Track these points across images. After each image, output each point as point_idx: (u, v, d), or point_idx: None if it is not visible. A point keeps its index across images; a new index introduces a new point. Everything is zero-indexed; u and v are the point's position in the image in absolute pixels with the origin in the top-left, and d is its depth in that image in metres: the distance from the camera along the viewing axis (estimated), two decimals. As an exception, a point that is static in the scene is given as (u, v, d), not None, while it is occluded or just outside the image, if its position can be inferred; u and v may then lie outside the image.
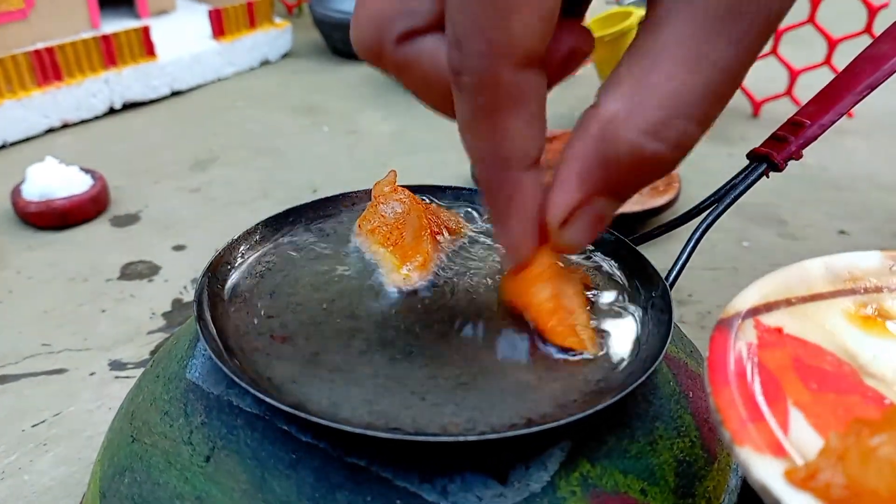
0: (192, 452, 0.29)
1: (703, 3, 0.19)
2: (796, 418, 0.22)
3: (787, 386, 0.23)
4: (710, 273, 0.65)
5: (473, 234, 0.39)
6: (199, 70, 1.00)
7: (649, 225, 0.71)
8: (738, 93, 1.00)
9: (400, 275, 0.35)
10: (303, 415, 0.25)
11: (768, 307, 0.27)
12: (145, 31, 0.92)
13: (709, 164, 0.85)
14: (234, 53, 1.05)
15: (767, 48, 0.98)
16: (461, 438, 0.25)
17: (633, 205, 0.67)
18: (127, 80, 0.91)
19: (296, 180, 0.79)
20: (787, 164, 0.35)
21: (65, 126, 0.88)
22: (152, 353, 0.53)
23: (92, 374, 0.51)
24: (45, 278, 0.61)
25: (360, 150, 0.87)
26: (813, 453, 0.20)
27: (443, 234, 0.38)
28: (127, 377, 0.51)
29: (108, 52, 0.89)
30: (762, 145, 0.36)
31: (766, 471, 0.19)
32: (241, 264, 0.35)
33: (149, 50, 0.93)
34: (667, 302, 0.32)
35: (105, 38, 0.88)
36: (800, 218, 0.75)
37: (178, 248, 0.66)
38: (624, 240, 0.36)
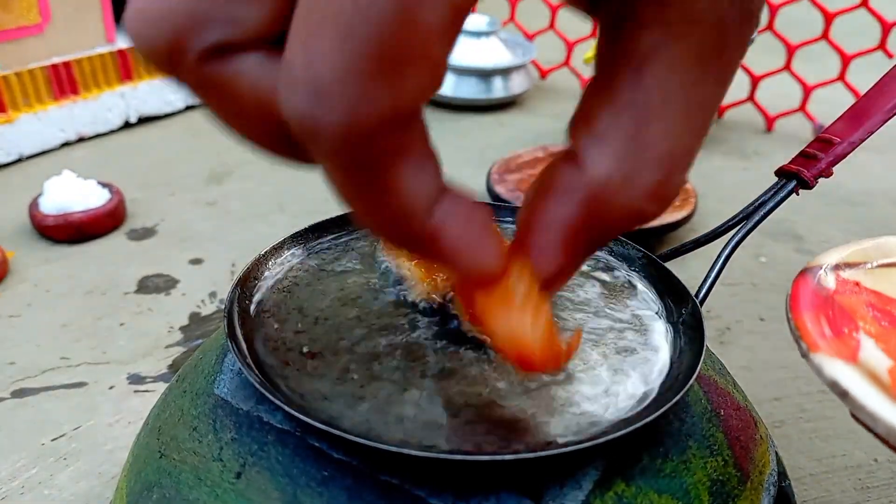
0: (223, 469, 0.28)
1: (694, 40, 0.17)
2: (867, 343, 0.26)
3: (859, 320, 0.27)
4: (728, 289, 0.65)
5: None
6: (213, 84, 1.01)
7: (666, 240, 0.70)
8: (752, 108, 1.01)
9: (427, 288, 0.35)
10: (336, 432, 0.25)
11: (848, 265, 0.31)
12: (161, 45, 0.93)
13: (724, 179, 0.85)
14: (248, 68, 1.05)
15: (781, 64, 0.98)
16: (496, 457, 0.25)
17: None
18: (142, 94, 0.92)
19: (311, 193, 0.79)
20: (817, 182, 0.35)
21: (80, 140, 0.88)
22: (171, 366, 0.53)
23: (111, 387, 0.51)
24: (63, 292, 0.61)
25: (374, 165, 0.87)
26: (882, 370, 0.23)
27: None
28: (146, 391, 0.50)
29: (124, 67, 0.90)
30: (791, 162, 0.36)
31: (836, 369, 0.24)
32: (268, 279, 0.35)
33: (164, 64, 0.94)
34: (698, 319, 0.32)
35: (121, 52, 0.89)
36: (816, 233, 0.75)
37: (195, 261, 0.66)
38: (652, 257, 0.36)
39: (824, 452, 0.49)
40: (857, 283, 0.30)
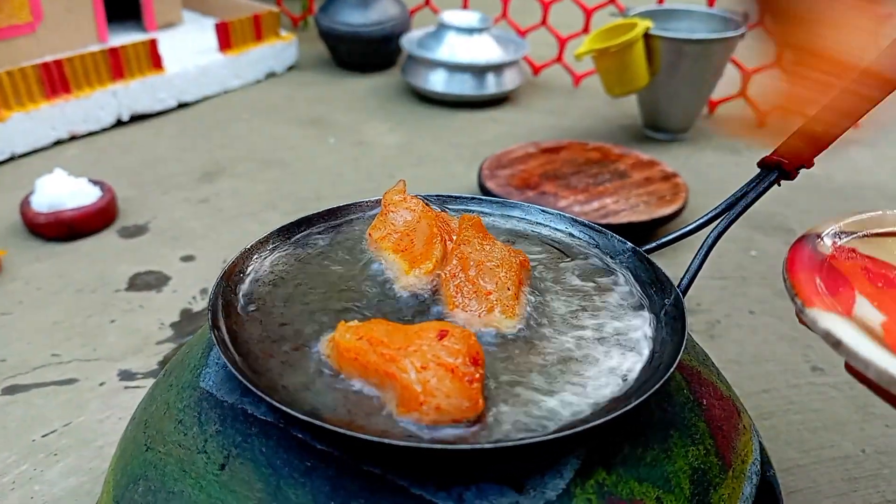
0: (207, 461, 0.29)
1: None
2: (861, 301, 0.27)
3: (854, 281, 0.29)
4: (718, 282, 0.65)
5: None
6: (205, 82, 1.01)
7: (658, 234, 0.71)
8: (743, 103, 1.01)
9: (410, 280, 0.35)
10: (318, 423, 0.25)
11: (844, 233, 0.32)
12: (152, 44, 0.93)
13: (715, 174, 0.85)
14: (241, 66, 1.06)
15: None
16: (476, 446, 0.25)
17: (641, 214, 0.67)
18: (134, 93, 0.92)
19: (302, 191, 0.79)
20: (798, 173, 0.35)
21: (73, 138, 0.88)
22: (161, 363, 0.53)
23: (101, 384, 0.51)
24: (54, 289, 0.61)
25: (366, 162, 0.87)
26: (876, 324, 0.26)
27: (452, 240, 0.38)
28: (136, 387, 0.51)
29: (116, 65, 0.90)
30: (772, 154, 0.36)
31: (830, 321, 0.25)
32: (254, 272, 0.35)
33: (156, 63, 0.94)
34: (680, 310, 0.32)
35: (113, 50, 0.89)
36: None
37: (187, 258, 0.66)
38: (636, 249, 0.36)
39: (812, 444, 0.49)
40: (853, 250, 0.31)
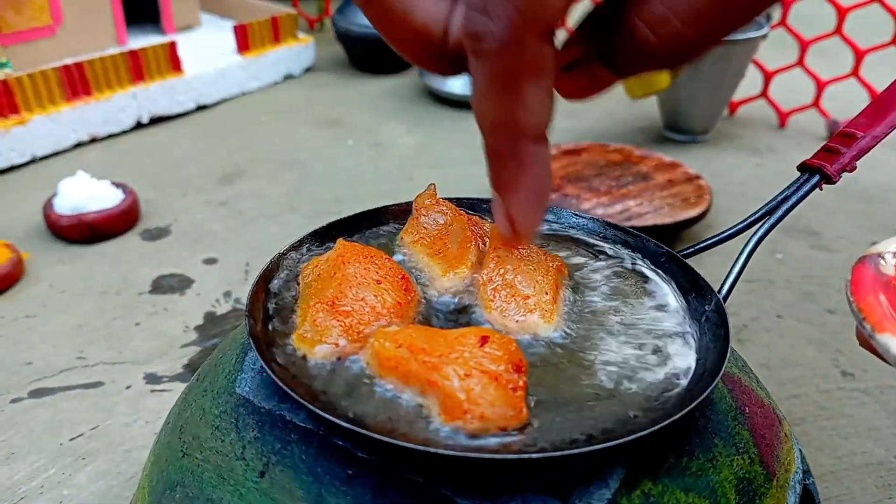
0: (246, 468, 0.28)
1: None
2: None
3: None
4: (744, 286, 0.64)
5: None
6: (223, 84, 1.01)
7: (682, 237, 0.70)
8: (765, 104, 1.00)
9: (444, 283, 0.34)
10: (360, 430, 0.25)
11: None
12: (172, 46, 0.93)
13: (737, 176, 0.85)
14: (259, 68, 1.06)
15: (794, 59, 0.97)
16: (523, 456, 0.24)
17: (665, 217, 0.67)
18: (154, 95, 0.92)
19: (322, 193, 0.79)
20: (840, 176, 0.35)
21: (93, 140, 0.88)
22: (186, 366, 0.53)
23: (128, 387, 0.51)
24: (78, 292, 0.61)
25: (384, 163, 0.87)
26: None
27: (485, 244, 0.38)
28: (163, 391, 0.50)
29: (136, 67, 0.90)
30: (813, 157, 0.35)
31: None
32: (288, 277, 0.34)
33: (175, 65, 0.94)
34: (722, 317, 0.32)
35: (133, 53, 0.89)
36: (831, 230, 0.74)
37: (209, 261, 0.66)
38: (673, 253, 0.36)
39: (844, 450, 0.49)
40: None
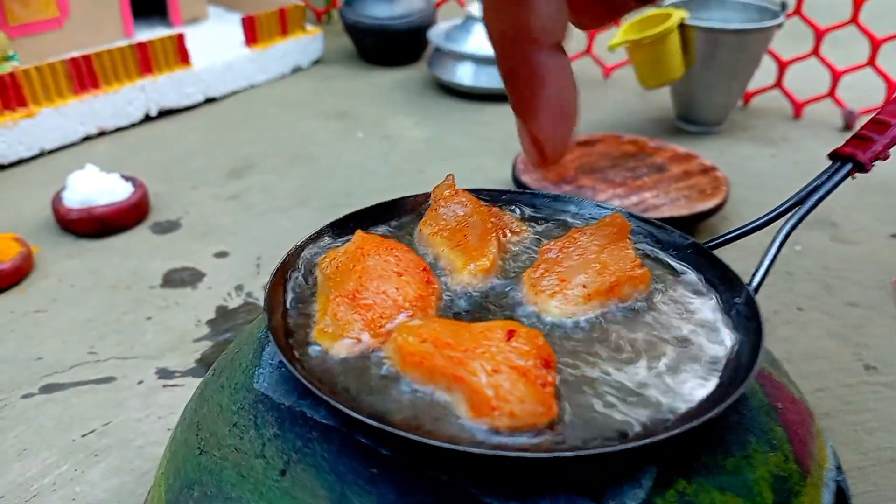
0: (266, 466, 0.27)
1: None
2: None
3: None
4: (763, 278, 0.63)
5: (535, 236, 0.38)
6: (231, 77, 1.00)
7: (700, 229, 0.69)
8: (780, 94, 0.99)
9: (466, 275, 0.33)
10: (385, 427, 0.24)
11: None
12: (180, 38, 0.92)
13: (753, 167, 0.83)
14: (267, 60, 1.05)
15: (809, 49, 0.96)
16: (555, 455, 0.24)
17: (682, 209, 0.66)
18: (162, 88, 0.91)
19: (332, 187, 0.78)
20: (873, 165, 0.33)
21: (101, 133, 0.88)
22: (199, 361, 0.52)
23: (140, 382, 0.50)
24: (88, 286, 0.60)
25: (394, 156, 0.86)
26: None
27: (506, 236, 0.37)
28: (175, 385, 0.50)
29: (144, 60, 0.89)
30: (845, 145, 0.34)
31: None
32: (306, 270, 0.34)
33: (183, 57, 0.93)
34: (754, 310, 0.31)
35: (141, 45, 0.88)
36: (851, 222, 0.73)
37: (220, 254, 0.65)
38: (699, 244, 0.35)
39: (870, 445, 0.48)
40: None
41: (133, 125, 0.90)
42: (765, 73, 0.96)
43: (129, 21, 1.01)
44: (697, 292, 0.33)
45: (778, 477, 0.28)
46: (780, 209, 0.34)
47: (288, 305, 0.32)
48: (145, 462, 0.44)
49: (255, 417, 0.29)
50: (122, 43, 0.91)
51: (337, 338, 0.29)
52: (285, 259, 0.33)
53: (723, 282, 0.33)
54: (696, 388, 0.27)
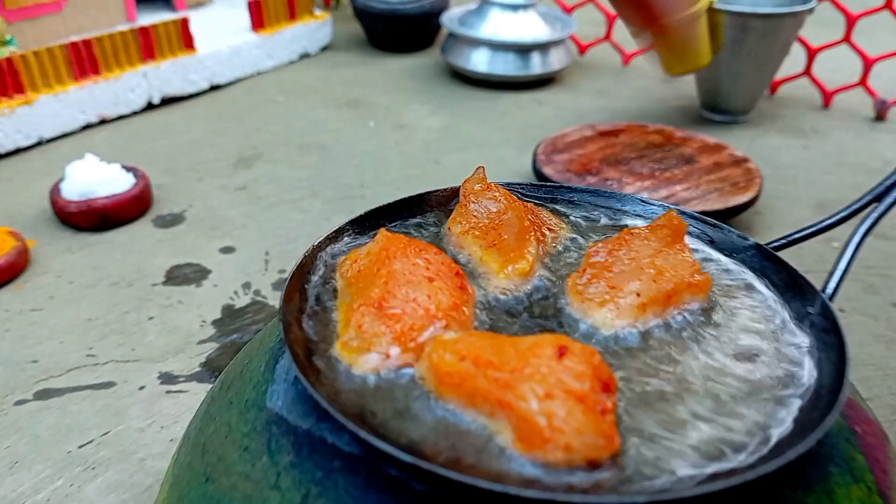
0: (282, 499, 0.24)
1: None
2: None
3: None
4: (801, 278, 0.59)
5: (574, 234, 0.34)
6: (238, 64, 0.96)
7: (733, 224, 0.65)
8: (809, 83, 0.95)
9: (502, 279, 0.30)
10: (420, 464, 0.21)
11: None
12: (184, 22, 0.88)
13: (784, 158, 0.79)
14: (274, 46, 1.01)
15: (840, 35, 0.91)
16: (626, 500, 0.20)
17: (715, 203, 0.62)
18: (165, 74, 0.88)
19: (345, 177, 0.74)
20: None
21: (103, 122, 0.84)
22: (204, 364, 0.49)
23: (141, 388, 0.47)
24: (87, 283, 0.57)
25: (408, 146, 0.82)
26: None
27: (544, 235, 0.33)
28: (179, 391, 0.47)
29: (147, 45, 0.86)
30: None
31: None
32: (325, 272, 0.30)
33: (187, 43, 0.89)
34: (832, 321, 0.27)
35: (143, 30, 0.85)
36: (890, 216, 0.69)
37: (227, 249, 0.62)
38: (761, 246, 0.31)
39: (927, 461, 0.44)
40: None
41: (135, 113, 0.86)
42: (792, 60, 0.92)
43: (131, 5, 0.97)
44: (763, 301, 0.29)
45: (863, 514, 0.25)
46: (856, 206, 0.31)
47: (305, 314, 0.28)
48: (146, 477, 0.40)
49: (269, 441, 0.26)
50: (124, 27, 0.87)
51: (363, 352, 0.26)
52: (302, 261, 0.30)
53: (791, 289, 0.29)
54: (775, 414, 0.24)
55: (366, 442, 0.22)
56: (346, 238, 0.32)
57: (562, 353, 0.23)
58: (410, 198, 0.35)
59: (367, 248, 0.29)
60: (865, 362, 0.52)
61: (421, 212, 0.35)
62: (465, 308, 0.28)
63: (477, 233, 0.32)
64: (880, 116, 0.89)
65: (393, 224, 0.34)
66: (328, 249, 0.31)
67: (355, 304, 0.27)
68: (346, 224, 0.32)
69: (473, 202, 0.34)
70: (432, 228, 0.34)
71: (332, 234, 0.32)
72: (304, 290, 0.29)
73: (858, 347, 0.53)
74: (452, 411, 0.24)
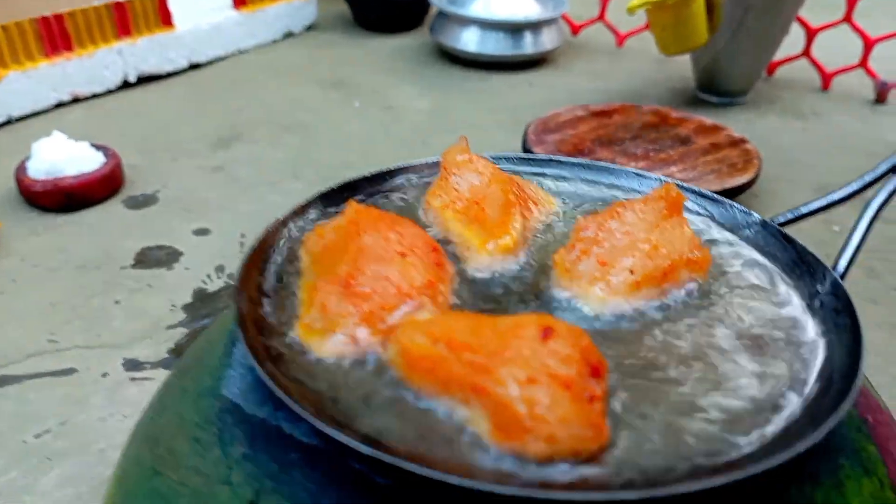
0: (232, 496, 0.22)
1: None
2: None
3: None
4: (800, 262, 0.57)
5: (564, 210, 0.32)
6: (218, 41, 0.93)
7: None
8: (808, 64, 0.92)
9: (484, 256, 0.28)
10: (381, 456, 0.18)
11: None
12: (161, -2, 0.85)
13: (782, 141, 0.77)
14: (256, 24, 0.98)
15: (840, 15, 0.89)
16: (613, 497, 0.18)
17: (712, 184, 0.60)
18: (142, 52, 0.84)
19: (328, 159, 0.72)
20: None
21: (76, 100, 0.81)
22: (172, 351, 0.46)
23: (104, 374, 0.44)
24: (53, 266, 0.54)
25: (396, 128, 0.79)
26: None
27: (530, 210, 0.31)
28: (144, 379, 0.44)
29: (122, 21, 0.82)
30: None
31: None
32: (290, 249, 0.28)
33: (165, 19, 0.86)
34: (844, 301, 0.25)
35: (118, 5, 0.81)
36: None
37: (201, 231, 0.59)
38: (767, 222, 0.29)
39: (932, 452, 0.42)
40: None
41: (110, 92, 0.83)
42: (790, 41, 0.89)
43: (107, -20, 0.94)
44: (769, 280, 0.27)
45: (876, 511, 0.22)
46: (870, 177, 0.28)
47: (266, 293, 0.26)
48: (106, 468, 0.38)
49: (221, 432, 0.23)
50: (98, 2, 0.83)
51: (326, 335, 0.23)
52: (264, 236, 0.27)
53: (799, 266, 0.27)
54: (782, 402, 0.22)
55: (324, 433, 0.20)
56: (314, 213, 0.30)
57: (546, 334, 0.21)
58: (387, 170, 0.33)
59: (335, 222, 0.27)
60: (867, 349, 0.50)
61: (399, 185, 0.33)
62: (441, 286, 0.25)
63: (458, 207, 0.30)
64: (881, 99, 0.87)
65: (368, 198, 0.32)
66: (295, 225, 0.29)
67: (320, 281, 0.24)
68: (315, 197, 0.30)
69: (455, 174, 0.31)
70: (410, 202, 0.32)
71: (299, 207, 0.29)
72: (266, 267, 0.27)
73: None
74: (424, 399, 0.21)
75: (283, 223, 0.29)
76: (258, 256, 0.26)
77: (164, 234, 0.58)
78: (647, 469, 0.19)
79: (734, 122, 0.80)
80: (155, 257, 0.55)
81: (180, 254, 0.56)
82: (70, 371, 0.44)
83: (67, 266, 0.54)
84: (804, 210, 0.29)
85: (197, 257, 0.55)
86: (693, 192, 0.31)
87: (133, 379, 0.44)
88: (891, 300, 0.54)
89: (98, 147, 0.63)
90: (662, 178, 0.32)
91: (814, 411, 0.21)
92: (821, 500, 0.21)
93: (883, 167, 0.28)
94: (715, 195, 0.30)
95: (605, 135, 0.68)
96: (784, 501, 0.21)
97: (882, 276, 0.57)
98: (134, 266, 0.54)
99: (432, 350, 0.21)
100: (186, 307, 0.50)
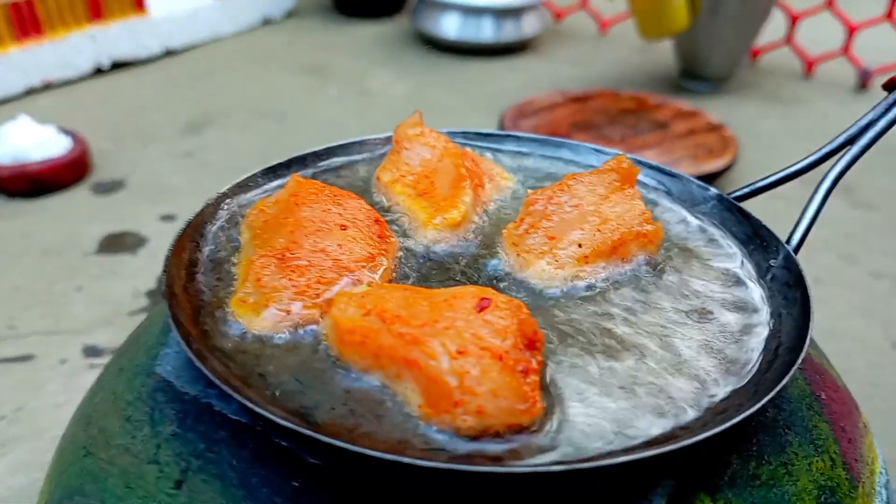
0: (160, 475, 0.21)
1: None
2: None
3: None
4: (775, 246, 0.57)
5: (519, 185, 0.31)
6: (195, 28, 0.92)
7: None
8: (790, 51, 0.92)
9: (430, 231, 0.27)
10: (305, 431, 0.18)
11: None
12: (135, -18, 0.84)
13: (763, 127, 0.76)
14: (234, 10, 0.96)
15: (822, 1, 0.88)
16: (537, 469, 0.17)
17: (688, 168, 0.59)
18: (115, 37, 0.83)
19: (301, 144, 0.70)
20: (943, 93, 0.27)
21: (47, 86, 0.79)
22: (134, 337, 0.45)
23: (62, 361, 0.43)
24: (15, 252, 0.53)
25: (372, 114, 0.78)
26: None
27: (483, 185, 0.30)
28: (103, 364, 0.43)
29: (94, 6, 0.81)
30: (906, 70, 0.27)
31: None
32: (230, 224, 0.27)
33: (138, 4, 0.85)
34: (795, 274, 0.24)
35: (91, -11, 0.80)
36: (868, 185, 0.67)
37: (168, 217, 0.58)
38: (723, 196, 0.28)
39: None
40: None
41: (82, 78, 0.82)
42: (774, 27, 0.88)
43: (82, -35, 0.92)
44: (721, 253, 0.26)
45: (823, 488, 0.22)
46: (827, 149, 0.28)
47: (202, 268, 0.25)
48: (60, 455, 0.37)
49: (152, 410, 0.23)
50: (72, -14, 0.82)
51: (260, 309, 0.22)
52: (200, 211, 0.26)
53: (753, 240, 0.26)
54: (723, 375, 0.21)
55: (252, 410, 0.19)
56: (258, 188, 0.29)
57: (483, 306, 0.20)
58: (337, 145, 0.32)
59: (276, 196, 0.26)
60: (843, 335, 0.49)
61: (350, 161, 0.32)
62: (383, 259, 0.24)
63: (408, 181, 0.29)
64: (863, 85, 0.86)
65: (320, 175, 0.31)
66: (236, 199, 0.28)
67: (256, 255, 0.24)
68: (259, 172, 0.29)
69: (406, 148, 0.30)
70: (362, 177, 0.31)
71: (241, 181, 0.28)
72: (203, 243, 0.26)
73: (836, 320, 0.51)
74: (356, 374, 0.20)
75: (224, 197, 0.28)
76: (194, 230, 0.26)
77: (130, 220, 0.57)
78: (581, 442, 0.18)
79: (715, 109, 0.80)
80: (120, 243, 0.54)
81: (145, 240, 0.55)
82: (28, 357, 0.44)
83: (31, 252, 0.53)
84: (761, 184, 0.28)
85: (163, 243, 0.54)
86: (648, 165, 0.30)
87: (92, 366, 0.43)
88: (869, 285, 0.54)
89: (65, 131, 0.62)
90: (622, 152, 0.31)
91: (757, 384, 0.20)
92: (766, 476, 0.21)
93: (840, 139, 0.27)
94: (670, 168, 0.30)
95: (583, 119, 0.67)
96: (728, 475, 0.20)
97: (861, 261, 0.57)
98: (98, 252, 0.53)
99: (363, 322, 0.20)
100: (150, 293, 0.49)
